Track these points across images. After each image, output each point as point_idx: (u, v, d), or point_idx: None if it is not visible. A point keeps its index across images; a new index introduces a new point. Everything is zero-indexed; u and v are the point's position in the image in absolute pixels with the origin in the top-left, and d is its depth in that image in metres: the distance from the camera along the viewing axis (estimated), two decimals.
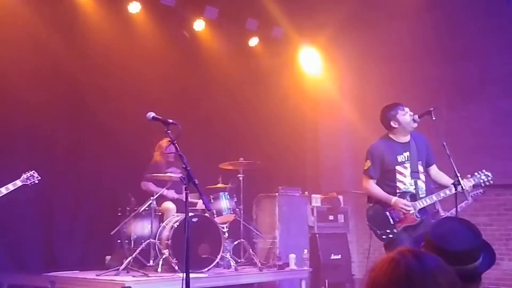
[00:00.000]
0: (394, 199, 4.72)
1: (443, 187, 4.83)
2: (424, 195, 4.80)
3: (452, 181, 4.64)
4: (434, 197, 4.77)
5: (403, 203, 4.68)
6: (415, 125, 4.82)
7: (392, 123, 4.84)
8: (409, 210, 4.67)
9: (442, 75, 8.18)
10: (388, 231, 4.70)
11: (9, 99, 6.44)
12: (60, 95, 6.92)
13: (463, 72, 8.00)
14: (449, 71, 8.12)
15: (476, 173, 4.80)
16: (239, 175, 7.14)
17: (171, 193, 6.79)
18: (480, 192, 6.05)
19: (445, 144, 4.63)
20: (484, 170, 4.84)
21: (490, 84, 7.81)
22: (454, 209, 5.75)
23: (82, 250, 6.85)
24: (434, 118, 4.69)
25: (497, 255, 2.22)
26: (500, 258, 7.48)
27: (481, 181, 4.78)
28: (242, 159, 7.05)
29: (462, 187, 4.53)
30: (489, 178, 4.81)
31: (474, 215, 6.99)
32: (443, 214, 6.01)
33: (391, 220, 4.72)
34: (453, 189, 4.59)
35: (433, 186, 5.61)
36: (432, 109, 4.73)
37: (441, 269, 1.47)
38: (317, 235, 8.02)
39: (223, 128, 8.28)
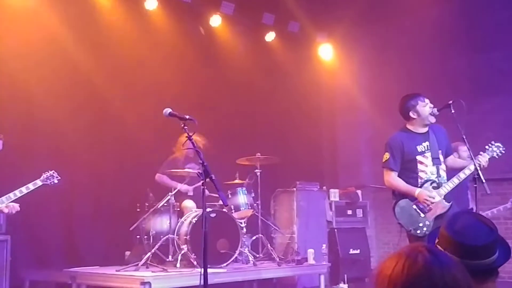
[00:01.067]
0: (417, 191, 4.63)
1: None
2: (446, 182, 4.73)
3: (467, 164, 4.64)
4: (456, 180, 4.67)
5: (427, 194, 4.60)
6: (433, 119, 4.76)
7: (411, 113, 4.78)
8: (433, 202, 4.61)
9: (462, 67, 8.09)
10: (421, 225, 4.59)
11: (29, 99, 6.50)
12: (79, 93, 6.96)
13: (482, 64, 7.90)
14: (469, 63, 8.02)
15: (487, 147, 4.76)
16: (256, 170, 7.13)
17: (186, 188, 6.79)
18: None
19: (464, 137, 4.58)
20: (493, 142, 4.80)
21: (510, 76, 7.69)
22: (495, 209, 5.73)
23: (102, 246, 6.91)
24: (453, 111, 4.64)
25: None
26: None
27: (494, 153, 4.75)
28: (259, 154, 7.05)
29: (479, 164, 4.53)
30: (501, 149, 4.77)
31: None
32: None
33: (420, 213, 4.64)
34: (472, 166, 4.56)
35: (469, 183, 5.58)
36: (451, 102, 4.68)
37: (457, 265, 1.45)
38: (335, 230, 8.01)
39: (240, 124, 8.27)
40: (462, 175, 4.66)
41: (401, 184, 4.74)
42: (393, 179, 4.77)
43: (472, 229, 1.95)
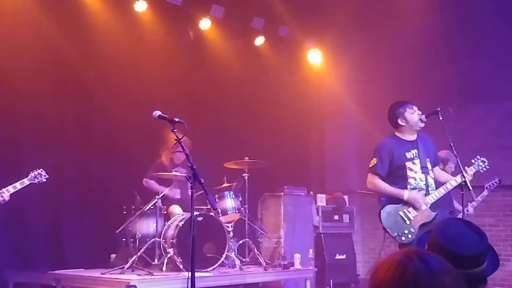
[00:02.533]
0: (406, 194, 4.67)
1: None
2: (434, 190, 4.77)
3: (453, 177, 4.74)
4: (442, 190, 4.74)
5: (418, 196, 4.64)
6: (422, 125, 4.80)
7: (399, 121, 4.81)
8: (424, 206, 4.65)
9: (450, 74, 8.14)
10: (406, 231, 4.62)
11: (17, 97, 6.46)
12: (67, 94, 6.93)
13: (470, 72, 7.96)
14: (457, 71, 8.08)
15: (473, 161, 4.94)
16: (244, 174, 7.12)
17: (173, 193, 6.77)
18: (495, 182, 6.08)
19: (452, 144, 4.61)
20: (478, 156, 4.99)
21: (498, 84, 7.77)
22: (474, 201, 5.84)
23: (87, 248, 6.85)
24: (441, 118, 4.68)
25: (502, 256, 2.22)
26: (506, 259, 7.45)
27: (480, 167, 4.95)
28: (247, 158, 7.04)
29: (465, 176, 4.62)
30: (485, 164, 4.99)
31: (480, 215, 6.95)
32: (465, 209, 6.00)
33: (406, 220, 4.66)
34: (459, 178, 4.67)
35: None
36: (439, 109, 4.72)
37: (448, 270, 1.46)
38: (322, 235, 8.02)
39: (228, 127, 8.27)
40: (449, 186, 4.73)
41: (387, 187, 4.77)
42: (377, 181, 4.80)
43: (463, 238, 1.96)
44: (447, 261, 1.89)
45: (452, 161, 5.73)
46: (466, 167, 4.78)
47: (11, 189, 5.03)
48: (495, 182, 6.12)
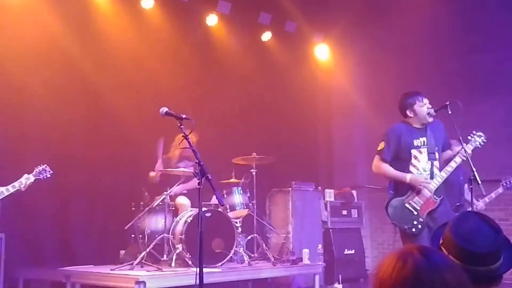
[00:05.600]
0: (409, 176, 4.66)
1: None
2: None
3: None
4: (443, 174, 4.70)
5: (420, 179, 4.62)
6: (430, 119, 4.77)
7: (408, 112, 4.80)
8: (428, 183, 4.62)
9: (458, 68, 8.10)
10: (415, 222, 4.62)
11: (24, 96, 6.48)
12: (74, 91, 6.94)
13: (478, 65, 7.92)
14: (465, 64, 8.04)
15: (469, 137, 4.79)
16: (252, 170, 7.13)
17: (180, 188, 6.77)
18: (508, 182, 5.98)
19: (461, 138, 4.59)
20: (474, 132, 4.81)
21: (506, 76, 7.72)
22: (486, 197, 5.77)
23: (96, 245, 6.88)
24: (450, 112, 4.65)
25: None
26: None
27: (477, 142, 4.77)
28: (255, 153, 7.04)
29: (466, 153, 4.57)
30: (482, 138, 4.79)
31: (489, 210, 6.87)
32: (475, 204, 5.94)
33: (413, 211, 4.66)
34: (458, 159, 4.61)
35: (461, 178, 5.58)
36: (448, 103, 4.69)
37: (449, 267, 1.44)
38: (330, 230, 8.01)
39: (236, 123, 8.26)
40: (449, 168, 4.69)
41: (391, 170, 4.77)
42: (382, 165, 4.81)
43: (478, 234, 1.91)
44: (461, 257, 1.87)
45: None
46: (464, 145, 4.69)
47: (16, 184, 5.06)
48: (510, 181, 6.00)
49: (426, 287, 1.39)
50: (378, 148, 4.85)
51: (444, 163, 4.81)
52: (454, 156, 4.72)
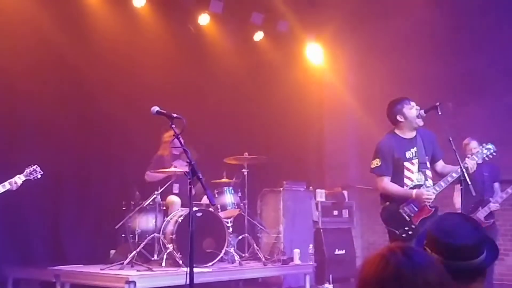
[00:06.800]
0: (414, 192, 4.64)
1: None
2: (430, 187, 4.75)
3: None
4: (442, 183, 4.69)
5: (425, 192, 4.61)
6: (421, 122, 4.76)
7: (398, 117, 4.79)
8: (432, 197, 4.61)
9: (449, 70, 8.14)
10: (406, 228, 4.64)
11: (15, 94, 6.44)
12: (66, 90, 6.92)
13: (469, 67, 7.96)
14: (456, 66, 8.08)
15: (477, 149, 4.77)
16: (243, 170, 7.13)
17: (174, 188, 6.76)
18: None
19: (451, 139, 4.60)
20: (484, 144, 4.78)
21: (497, 79, 7.77)
22: (498, 196, 5.78)
23: (87, 244, 6.85)
24: (440, 113, 4.66)
25: (502, 251, 2.22)
26: (505, 254, 7.46)
27: (484, 155, 4.74)
28: (246, 153, 7.04)
29: (465, 166, 4.50)
30: (491, 151, 4.74)
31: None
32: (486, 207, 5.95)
33: (406, 217, 4.68)
34: (459, 169, 4.54)
35: (486, 173, 5.59)
36: (438, 104, 4.68)
37: (431, 266, 1.45)
38: (321, 230, 8.02)
39: (228, 123, 8.26)
40: (449, 178, 4.67)
41: (396, 188, 4.71)
42: (387, 184, 4.73)
43: (458, 229, 1.96)
44: (444, 253, 1.89)
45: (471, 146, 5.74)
46: (467, 157, 4.67)
47: (7, 185, 5.03)
48: None
49: (409, 287, 1.40)
50: (373, 166, 4.77)
51: (442, 177, 4.80)
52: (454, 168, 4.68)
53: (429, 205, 4.66)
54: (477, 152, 4.76)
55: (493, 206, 5.98)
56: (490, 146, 4.77)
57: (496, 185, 6.17)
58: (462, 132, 4.84)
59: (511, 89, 7.61)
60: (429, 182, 4.76)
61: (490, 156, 4.77)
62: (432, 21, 8.13)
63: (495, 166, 5.97)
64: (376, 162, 4.77)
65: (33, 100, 6.54)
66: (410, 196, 4.66)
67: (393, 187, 4.74)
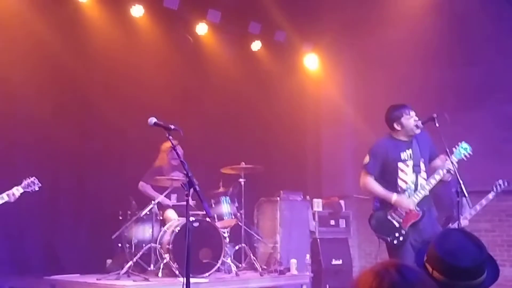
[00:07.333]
0: (394, 197, 4.69)
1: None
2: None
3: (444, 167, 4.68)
4: (426, 186, 4.74)
5: (404, 202, 4.64)
6: (418, 131, 4.79)
7: (395, 125, 4.81)
8: (412, 208, 4.65)
9: (446, 80, 8.16)
10: (397, 234, 4.67)
11: (11, 103, 6.42)
12: (63, 100, 6.91)
13: (467, 77, 7.98)
14: (453, 76, 8.10)
15: (453, 148, 4.78)
16: (240, 179, 7.11)
17: (167, 201, 6.76)
18: (501, 184, 5.97)
19: (448, 150, 4.62)
20: (458, 143, 4.79)
21: (495, 90, 7.79)
22: (472, 208, 5.77)
23: (83, 254, 6.83)
24: (437, 125, 4.68)
25: (498, 262, 2.22)
26: (502, 265, 7.45)
27: (462, 154, 4.76)
28: (243, 163, 7.03)
29: (452, 164, 4.58)
30: (468, 150, 4.77)
31: (476, 221, 6.93)
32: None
33: (395, 223, 4.69)
34: (441, 171, 4.63)
35: (454, 189, 5.59)
36: (435, 115, 4.71)
37: (424, 283, 1.46)
38: (318, 240, 8.00)
39: (225, 132, 8.26)
40: (432, 181, 4.72)
41: (377, 187, 4.79)
42: (369, 181, 4.82)
43: (462, 249, 1.95)
44: (445, 272, 1.89)
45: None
46: (451, 158, 4.68)
47: (5, 196, 5.01)
48: (501, 185, 5.96)
49: None
50: (364, 162, 4.86)
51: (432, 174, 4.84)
52: (439, 169, 4.74)
53: (416, 209, 4.68)
54: (455, 152, 4.76)
55: (463, 222, 5.93)
56: (466, 145, 4.79)
57: (464, 200, 6.18)
58: (459, 142, 4.84)
59: (508, 99, 7.63)
60: (422, 185, 4.77)
61: (468, 156, 4.78)
62: (429, 32, 8.15)
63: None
64: (366, 159, 4.84)
65: (30, 108, 6.53)
66: (389, 200, 4.69)
67: (375, 186, 4.80)
